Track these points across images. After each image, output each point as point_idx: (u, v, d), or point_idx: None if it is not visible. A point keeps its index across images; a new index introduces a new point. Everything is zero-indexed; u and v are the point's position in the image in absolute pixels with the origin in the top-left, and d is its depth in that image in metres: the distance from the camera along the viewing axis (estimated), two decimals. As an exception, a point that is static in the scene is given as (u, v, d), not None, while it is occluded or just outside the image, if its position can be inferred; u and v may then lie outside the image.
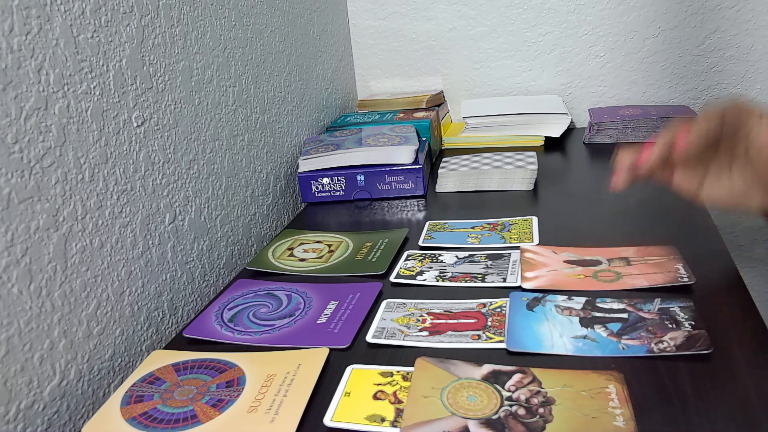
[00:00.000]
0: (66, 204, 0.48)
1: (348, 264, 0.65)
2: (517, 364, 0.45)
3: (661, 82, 1.12)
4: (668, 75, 1.11)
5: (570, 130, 1.11)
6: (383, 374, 0.46)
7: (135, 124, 0.56)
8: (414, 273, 0.61)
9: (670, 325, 0.47)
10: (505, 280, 0.57)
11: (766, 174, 0.48)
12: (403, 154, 0.83)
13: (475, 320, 0.51)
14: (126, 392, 0.46)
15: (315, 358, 0.48)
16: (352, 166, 0.84)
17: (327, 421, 0.41)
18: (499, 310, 0.52)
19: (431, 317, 0.53)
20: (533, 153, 0.90)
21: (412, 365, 0.46)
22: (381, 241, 0.70)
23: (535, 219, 0.71)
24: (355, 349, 0.50)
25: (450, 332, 0.50)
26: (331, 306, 0.57)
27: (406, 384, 0.44)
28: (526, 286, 0.55)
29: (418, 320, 0.52)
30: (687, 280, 0.53)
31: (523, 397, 0.41)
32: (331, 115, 1.09)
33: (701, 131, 0.49)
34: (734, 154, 0.51)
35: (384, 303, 0.56)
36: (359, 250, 0.68)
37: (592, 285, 0.55)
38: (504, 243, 0.66)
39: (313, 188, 0.85)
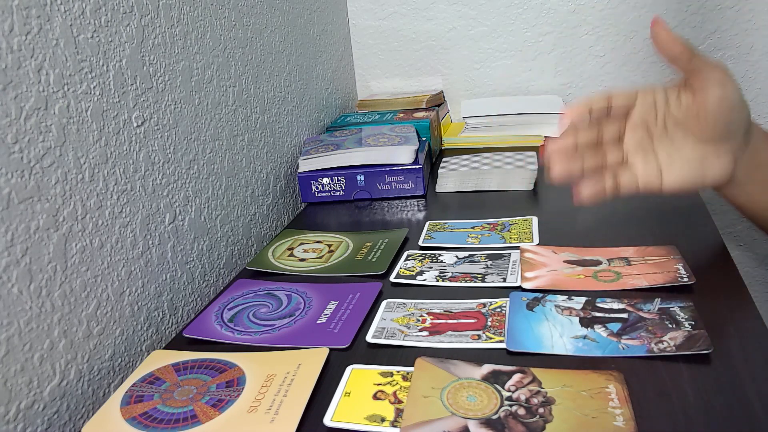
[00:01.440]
0: (66, 204, 0.48)
1: (348, 264, 0.65)
2: (517, 364, 0.45)
3: (661, 82, 1.12)
4: (668, 75, 1.11)
5: (570, 130, 1.11)
6: (383, 374, 0.46)
7: (135, 124, 0.56)
8: (414, 273, 0.61)
9: (670, 325, 0.47)
10: (505, 280, 0.57)
11: (703, 130, 0.52)
12: (403, 154, 0.83)
13: (475, 320, 0.51)
14: (126, 392, 0.47)
15: (315, 358, 0.48)
16: (352, 166, 0.84)
17: (327, 421, 0.41)
18: (499, 310, 0.52)
19: (431, 317, 0.53)
20: (533, 153, 0.90)
21: (412, 365, 0.46)
22: (381, 241, 0.70)
23: (535, 219, 0.71)
24: (355, 349, 0.50)
25: (450, 332, 0.50)
26: (331, 306, 0.57)
27: (406, 384, 0.44)
28: (526, 286, 0.55)
29: (418, 320, 0.52)
30: (687, 280, 0.53)
31: (523, 397, 0.41)
32: (331, 115, 1.09)
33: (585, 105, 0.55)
34: (665, 130, 0.55)
35: (384, 303, 0.56)
36: (359, 250, 0.68)
37: (592, 285, 0.55)
38: (504, 243, 0.66)
39: (313, 188, 0.85)
